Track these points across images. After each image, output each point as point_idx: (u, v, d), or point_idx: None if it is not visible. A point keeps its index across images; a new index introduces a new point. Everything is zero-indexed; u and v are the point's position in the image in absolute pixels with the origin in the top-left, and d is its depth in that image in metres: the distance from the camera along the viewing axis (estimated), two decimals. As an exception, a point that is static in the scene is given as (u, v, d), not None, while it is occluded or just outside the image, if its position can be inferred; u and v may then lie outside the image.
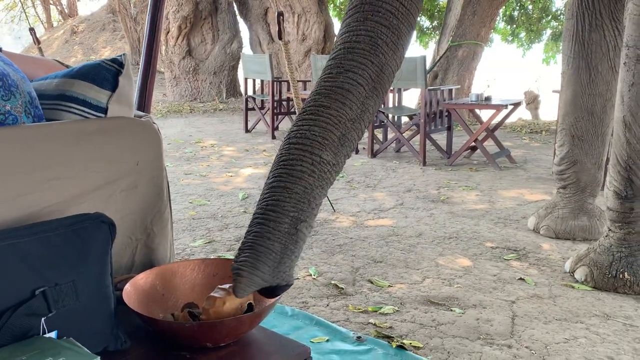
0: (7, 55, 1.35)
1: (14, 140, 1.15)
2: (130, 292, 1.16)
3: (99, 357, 0.85)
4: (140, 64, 2.17)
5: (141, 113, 1.54)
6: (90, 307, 1.04)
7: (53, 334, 0.97)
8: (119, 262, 1.36)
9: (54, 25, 18.04)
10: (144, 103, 2.12)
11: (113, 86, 1.35)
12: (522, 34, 13.55)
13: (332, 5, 12.33)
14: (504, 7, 11.26)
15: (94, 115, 1.34)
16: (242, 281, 1.05)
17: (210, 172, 4.86)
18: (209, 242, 3.00)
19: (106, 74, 1.35)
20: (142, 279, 1.27)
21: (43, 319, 0.95)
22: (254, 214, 1.16)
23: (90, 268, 1.05)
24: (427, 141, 5.21)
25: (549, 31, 13.30)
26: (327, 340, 1.95)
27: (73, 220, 1.07)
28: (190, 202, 3.85)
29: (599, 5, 2.79)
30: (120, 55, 1.37)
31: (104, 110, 1.36)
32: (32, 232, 1.00)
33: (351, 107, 1.19)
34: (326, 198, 3.65)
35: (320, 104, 1.19)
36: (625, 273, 2.33)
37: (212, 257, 2.78)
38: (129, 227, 1.37)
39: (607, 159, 4.01)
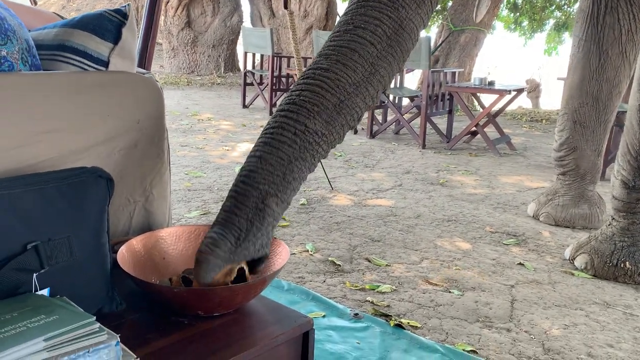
0: (4, 2, 1.28)
1: (9, 88, 1.08)
2: (126, 255, 1.10)
3: (94, 317, 0.79)
4: (142, 22, 2.10)
5: (143, 70, 1.47)
6: (85, 266, 0.98)
7: (45, 291, 0.91)
8: (116, 224, 1.30)
9: (51, -10, 17.66)
10: (144, 63, 2.05)
11: (115, 38, 1.28)
12: (525, 23, 13.43)
13: (335, -17, 12.12)
14: (509, -6, 11.12)
15: (94, 67, 1.27)
16: (202, 267, 0.95)
17: (207, 145, 4.79)
18: (204, 214, 2.95)
19: (108, 25, 1.28)
20: (141, 241, 1.21)
21: (35, 275, 0.90)
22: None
23: (86, 224, 0.99)
24: (427, 124, 5.15)
25: (552, 21, 13.18)
26: (324, 316, 1.91)
27: (69, 173, 1.00)
28: (186, 174, 3.78)
29: None
30: (124, 6, 1.29)
31: (105, 64, 1.28)
32: (25, 183, 0.94)
33: (355, 69, 1.05)
34: (325, 175, 3.60)
35: (319, 67, 1.06)
36: (627, 262, 2.30)
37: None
38: (128, 188, 1.30)
39: (607, 148, 3.99)
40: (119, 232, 1.31)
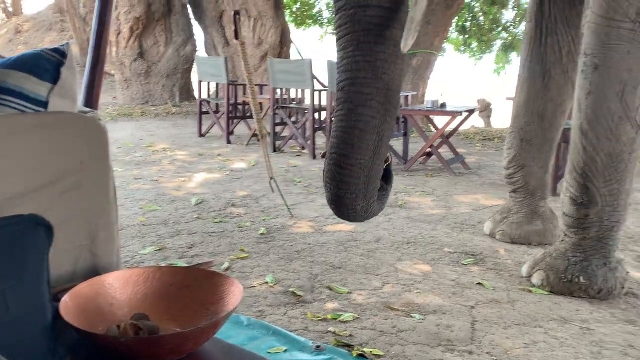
0: None
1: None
2: (69, 304, 1.04)
3: (31, 378, 0.74)
4: (88, 57, 2.05)
5: (86, 109, 1.43)
6: (24, 320, 0.93)
7: (-22, 352, 0.85)
8: (60, 270, 1.23)
9: (-3, 24, 17.26)
10: (91, 100, 1.99)
11: (54, 78, 1.24)
12: (474, 44, 13.90)
13: (288, 11, 12.29)
14: (457, 18, 11.51)
15: (32, 109, 1.22)
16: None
17: (162, 177, 4.70)
18: (159, 250, 2.87)
19: (46, 65, 1.23)
20: (86, 287, 1.16)
21: (-34, 334, 0.84)
22: None
23: (24, 276, 0.94)
24: (384, 147, 5.20)
25: (499, 42, 13.69)
26: (285, 351, 1.87)
27: (4, 222, 0.95)
28: (141, 208, 3.69)
29: (554, 10, 2.84)
30: (64, 45, 1.25)
31: (44, 104, 1.24)
32: (-44, 235, 0.88)
33: (368, 146, 1.36)
34: (284, 203, 3.58)
35: (342, 153, 1.38)
36: (581, 277, 2.35)
37: (163, 265, 2.65)
38: (72, 232, 1.25)
39: (555, 164, 4.12)
40: (63, 278, 1.25)
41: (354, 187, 1.40)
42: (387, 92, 1.34)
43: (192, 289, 1.21)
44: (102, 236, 1.31)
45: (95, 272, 1.31)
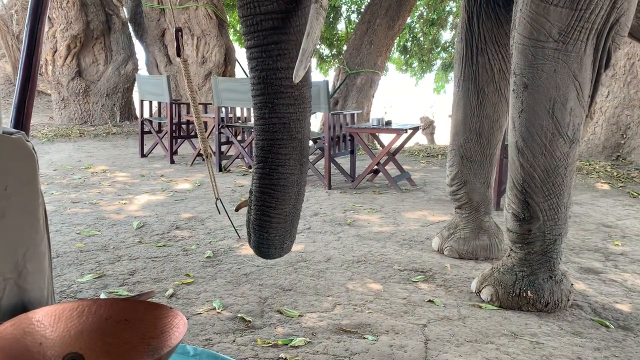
0: None
1: None
2: (-10, 347, 0.94)
3: None
4: (18, 75, 1.93)
5: (12, 130, 1.32)
6: None
7: None
8: (-19, 307, 1.12)
9: None
10: (21, 121, 1.87)
11: (-26, 96, 1.13)
12: (415, 64, 14.27)
13: (232, 30, 12.22)
14: (398, 38, 11.78)
15: (-52, 130, 1.11)
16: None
17: (101, 200, 4.49)
18: (98, 277, 2.71)
19: (-35, 82, 1.13)
20: (10, 327, 1.05)
21: None
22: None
23: None
24: (332, 165, 5.20)
25: (439, 62, 14.12)
26: (235, 381, 1.78)
27: None
28: (78, 233, 3.50)
29: (483, 30, 2.91)
30: (-16, 60, 1.15)
31: (-37, 125, 1.13)
32: None
33: (290, 197, 1.62)
34: (231, 224, 3.47)
35: (268, 205, 1.63)
36: (529, 291, 2.38)
37: (102, 293, 2.50)
38: (-5, 265, 1.13)
39: (498, 179, 4.23)
40: (-14, 316, 1.13)
41: (282, 231, 1.64)
42: (301, 149, 1.57)
43: (132, 323, 1.12)
44: (30, 268, 1.20)
45: (23, 307, 1.19)
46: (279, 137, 1.53)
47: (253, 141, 5.74)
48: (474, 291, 2.59)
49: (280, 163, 1.55)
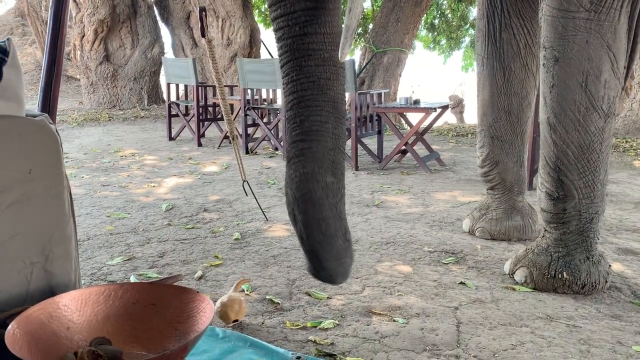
0: None
1: None
2: (17, 332, 0.93)
3: None
4: (44, 58, 1.93)
5: (36, 112, 1.30)
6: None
7: None
8: (9, 292, 1.11)
9: (-45, 29, 16.64)
10: (47, 103, 1.86)
11: (-5, 78, 1.11)
12: (443, 41, 13.97)
13: (257, 11, 12.14)
14: (425, 15, 11.53)
15: (-29, 113, 1.10)
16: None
17: (131, 183, 4.54)
18: (128, 260, 2.73)
19: (-13, 63, 1.11)
20: (38, 311, 1.04)
21: None
22: None
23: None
24: (359, 146, 5.14)
25: (467, 39, 13.79)
26: (264, 364, 1.76)
27: None
28: (108, 216, 3.53)
29: (506, 4, 2.80)
30: (4, 41, 1.13)
31: (-15, 108, 1.11)
32: None
33: (327, 139, 1.41)
34: (258, 206, 3.47)
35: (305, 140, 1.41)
36: (564, 273, 2.31)
37: (131, 275, 2.52)
38: (21, 249, 1.13)
39: (530, 158, 4.11)
40: (14, 300, 1.12)
41: (325, 165, 1.42)
42: (334, 104, 1.43)
43: (159, 307, 1.10)
44: (57, 252, 1.19)
45: (50, 292, 1.19)
46: (309, 92, 1.40)
47: (279, 122, 5.73)
48: (507, 273, 2.52)
49: (312, 113, 1.40)
